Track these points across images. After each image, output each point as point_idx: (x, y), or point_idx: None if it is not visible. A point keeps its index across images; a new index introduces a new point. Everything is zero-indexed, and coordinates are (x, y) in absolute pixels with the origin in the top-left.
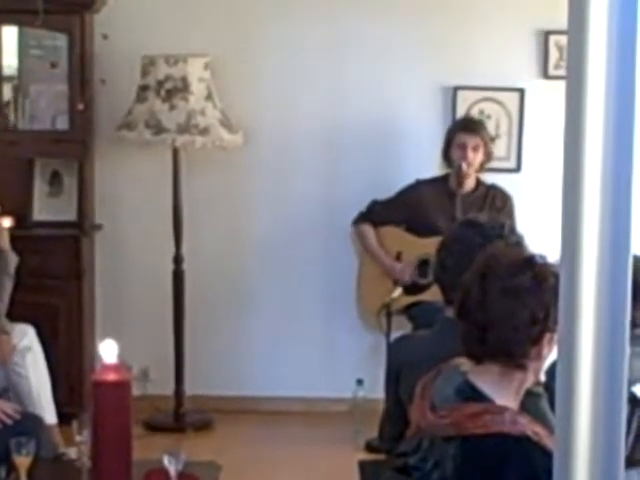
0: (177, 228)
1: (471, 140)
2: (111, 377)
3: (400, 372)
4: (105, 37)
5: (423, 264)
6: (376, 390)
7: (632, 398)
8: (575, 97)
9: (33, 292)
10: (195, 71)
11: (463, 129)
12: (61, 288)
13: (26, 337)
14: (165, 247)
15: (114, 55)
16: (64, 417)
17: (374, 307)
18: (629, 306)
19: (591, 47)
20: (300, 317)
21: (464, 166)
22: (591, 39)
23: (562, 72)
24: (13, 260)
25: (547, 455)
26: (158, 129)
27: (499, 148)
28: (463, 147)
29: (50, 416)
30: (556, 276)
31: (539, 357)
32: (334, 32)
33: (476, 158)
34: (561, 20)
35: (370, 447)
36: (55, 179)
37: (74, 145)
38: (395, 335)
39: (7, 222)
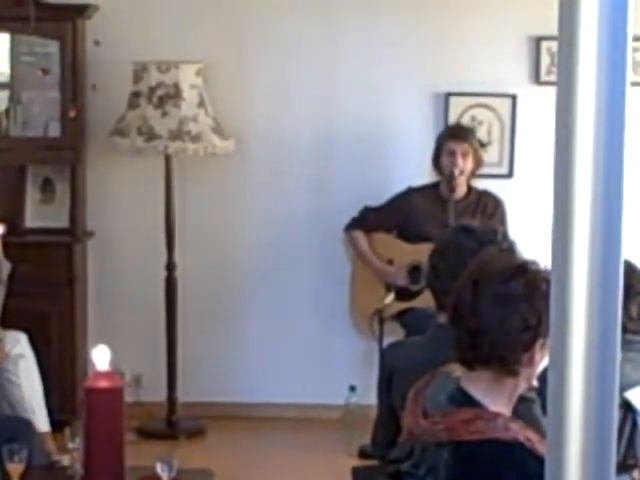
0: (169, 235)
1: (460, 147)
2: (103, 384)
3: (392, 378)
4: (97, 43)
5: (414, 270)
6: (369, 396)
7: (624, 404)
8: (566, 103)
9: (25, 299)
10: (187, 78)
11: (451, 137)
12: (53, 295)
13: (18, 344)
14: (157, 254)
15: (106, 61)
16: (57, 424)
17: (366, 313)
18: (620, 311)
19: (581, 53)
20: (293, 323)
21: (456, 172)
22: (581, 45)
23: (554, 78)
24: (6, 267)
25: (539, 461)
26: (150, 136)
27: (491, 154)
28: (452, 154)
29: (43, 423)
30: (548, 282)
31: (531, 363)
32: (327, 39)
33: (466, 164)
34: (553, 26)
35: (363, 453)
36: (47, 186)
37: (66, 152)
38: (388, 341)
39: None
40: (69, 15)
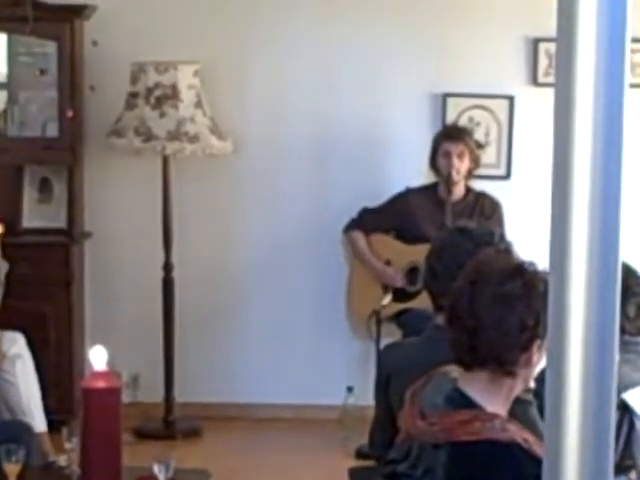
0: (167, 235)
1: (455, 148)
2: (101, 384)
3: (390, 379)
4: (95, 44)
5: (412, 271)
6: (366, 397)
7: (621, 405)
8: (564, 104)
9: (22, 299)
10: (185, 78)
11: (446, 137)
12: (51, 295)
13: (16, 345)
14: (155, 254)
15: (104, 62)
16: (54, 424)
17: (364, 314)
18: (618, 313)
19: (580, 54)
20: (290, 324)
21: (454, 174)
22: (579, 46)
23: (552, 79)
24: (3, 267)
25: (537, 462)
26: (148, 136)
27: (489, 155)
28: (448, 155)
29: (40, 424)
30: (546, 283)
31: (529, 364)
32: (324, 40)
33: (462, 165)
34: (551, 27)
35: (360, 454)
36: (45, 186)
37: (64, 152)
38: (385, 342)
39: None
40: (67, 15)
